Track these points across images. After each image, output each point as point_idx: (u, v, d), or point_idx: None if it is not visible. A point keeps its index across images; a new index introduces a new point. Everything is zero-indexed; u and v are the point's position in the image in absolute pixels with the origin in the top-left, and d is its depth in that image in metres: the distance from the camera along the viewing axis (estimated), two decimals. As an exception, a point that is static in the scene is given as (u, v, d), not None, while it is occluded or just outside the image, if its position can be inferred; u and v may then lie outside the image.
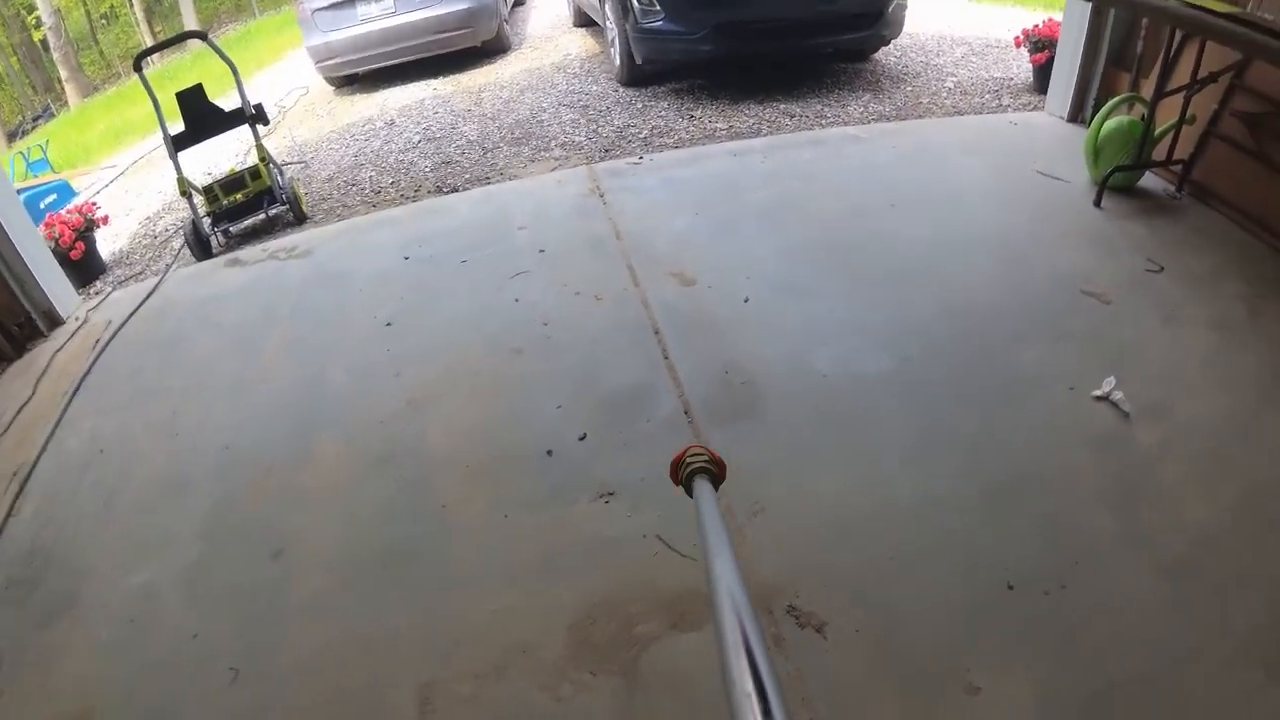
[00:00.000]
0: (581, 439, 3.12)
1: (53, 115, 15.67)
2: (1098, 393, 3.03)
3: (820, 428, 3.05)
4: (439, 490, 3.04)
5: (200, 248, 5.60)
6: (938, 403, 3.09)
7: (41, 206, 6.76)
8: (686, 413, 3.16)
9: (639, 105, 6.96)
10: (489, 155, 6.49)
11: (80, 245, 5.47)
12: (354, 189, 6.43)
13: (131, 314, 4.67)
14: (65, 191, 7.48)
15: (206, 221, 5.75)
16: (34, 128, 15.12)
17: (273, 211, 5.87)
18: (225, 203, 5.79)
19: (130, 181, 8.17)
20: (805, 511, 2.72)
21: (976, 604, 2.39)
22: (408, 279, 4.48)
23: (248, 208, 5.85)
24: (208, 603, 2.81)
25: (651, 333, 3.63)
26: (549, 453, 3.09)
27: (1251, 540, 2.47)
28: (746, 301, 3.76)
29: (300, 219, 5.98)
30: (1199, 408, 2.96)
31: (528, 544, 2.77)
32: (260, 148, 5.88)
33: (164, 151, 5.65)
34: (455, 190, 5.91)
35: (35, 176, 8.83)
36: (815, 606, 2.42)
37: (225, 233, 5.85)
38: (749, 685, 0.70)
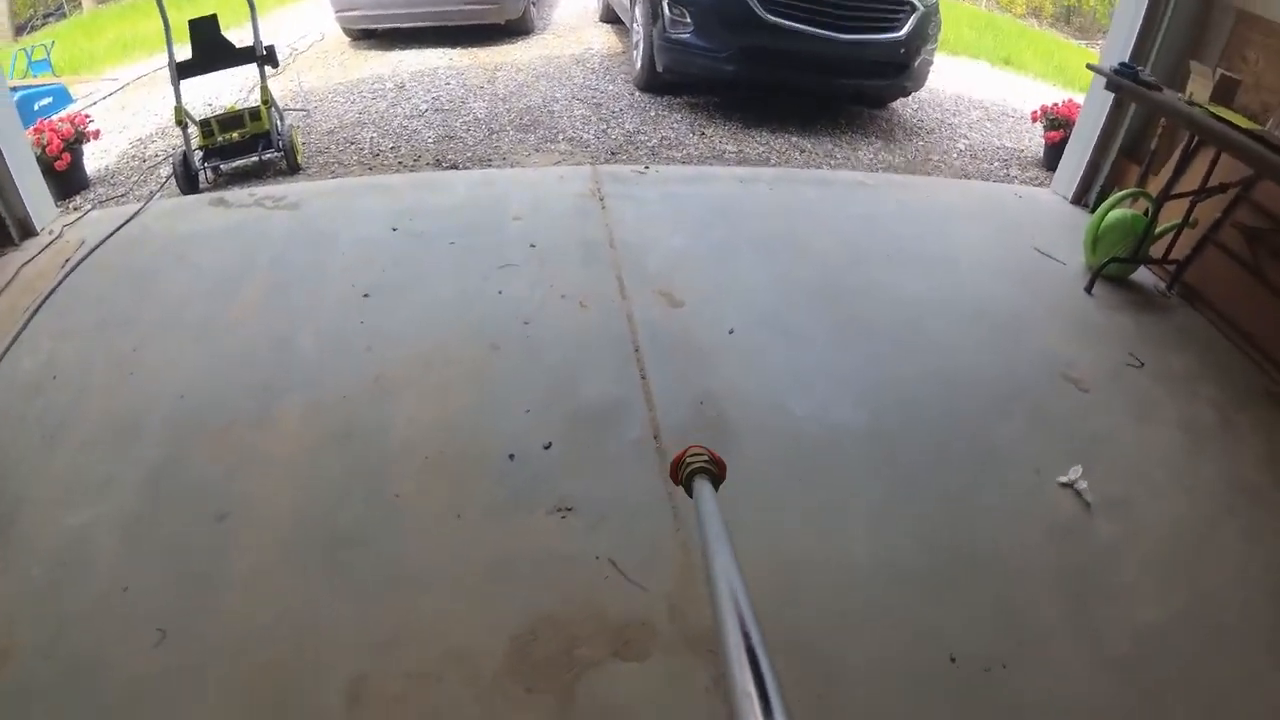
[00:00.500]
0: (547, 448, 3.06)
1: (64, 16, 15.23)
2: (1063, 479, 3.05)
3: (787, 473, 3.02)
4: (395, 479, 2.97)
5: (187, 181, 5.46)
6: (907, 466, 3.09)
7: (35, 108, 6.57)
8: (656, 437, 3.12)
9: (652, 112, 6.92)
10: (494, 137, 6.40)
11: (67, 156, 5.31)
12: (352, 147, 6.31)
13: (107, 237, 4.54)
14: (62, 96, 7.29)
15: (198, 155, 5.60)
16: (43, 25, 14.72)
17: (266, 156, 5.73)
18: (220, 139, 5.64)
19: (129, 98, 7.96)
20: (762, 561, 2.67)
21: (918, 672, 2.38)
22: (393, 251, 4.38)
23: (242, 148, 5.70)
24: (144, 557, 2.72)
25: (632, 349, 3.58)
26: (511, 457, 3.03)
27: (1196, 647, 2.50)
28: (731, 333, 3.72)
29: (294, 169, 5.84)
30: (1160, 508, 2.99)
31: (479, 548, 2.71)
32: (265, 89, 5.75)
33: (167, 73, 5.50)
34: (455, 167, 5.82)
35: (35, 76, 8.62)
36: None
37: (215, 170, 5.73)
38: (750, 685, 0.70)
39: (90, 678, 2.35)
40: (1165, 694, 2.35)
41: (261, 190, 5.18)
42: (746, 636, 0.80)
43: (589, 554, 2.66)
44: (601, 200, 4.94)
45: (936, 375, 3.55)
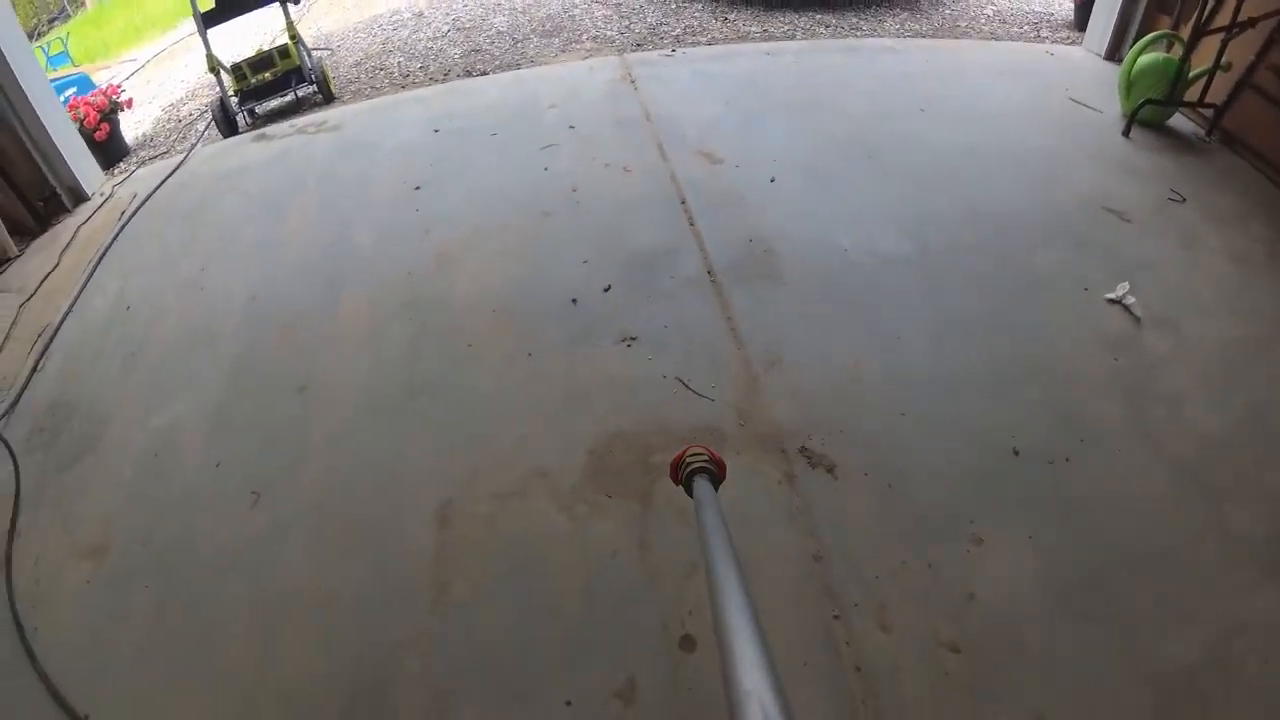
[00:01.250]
0: (606, 290, 3.17)
1: (69, 16, 15.17)
2: (1111, 295, 3.09)
3: (840, 295, 3.11)
4: (465, 333, 3.10)
5: (227, 125, 5.60)
6: (955, 288, 3.15)
7: (62, 98, 6.70)
8: (710, 273, 3.21)
9: (673, 5, 6.86)
10: (519, 45, 6.42)
11: (105, 127, 5.47)
12: (381, 73, 6.39)
13: (157, 187, 4.67)
14: (85, 84, 7.36)
15: (234, 100, 5.73)
16: (50, 29, 14.73)
17: (301, 91, 5.87)
18: (253, 81, 5.76)
19: (151, 73, 8.08)
20: (821, 369, 2.79)
21: (982, 466, 2.48)
22: (437, 149, 4.48)
23: (275, 87, 5.83)
24: (232, 437, 2.88)
25: (678, 203, 3.66)
26: (574, 301, 3.15)
27: (1257, 452, 2.53)
28: (773, 182, 3.78)
29: (328, 98, 5.94)
30: (1211, 327, 3.00)
31: (551, 381, 2.84)
32: (290, 26, 5.84)
33: (185, 45, 5.65)
34: (484, 74, 5.86)
35: (55, 70, 8.68)
36: (826, 449, 2.51)
37: (251, 112, 5.87)
38: (749, 684, 0.70)
39: (185, 551, 2.53)
40: (1226, 495, 2.39)
41: (301, 120, 5.27)
42: (747, 634, 0.78)
43: (655, 375, 2.77)
44: (633, 83, 4.96)
45: (977, 211, 3.57)
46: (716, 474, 1.27)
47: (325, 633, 2.24)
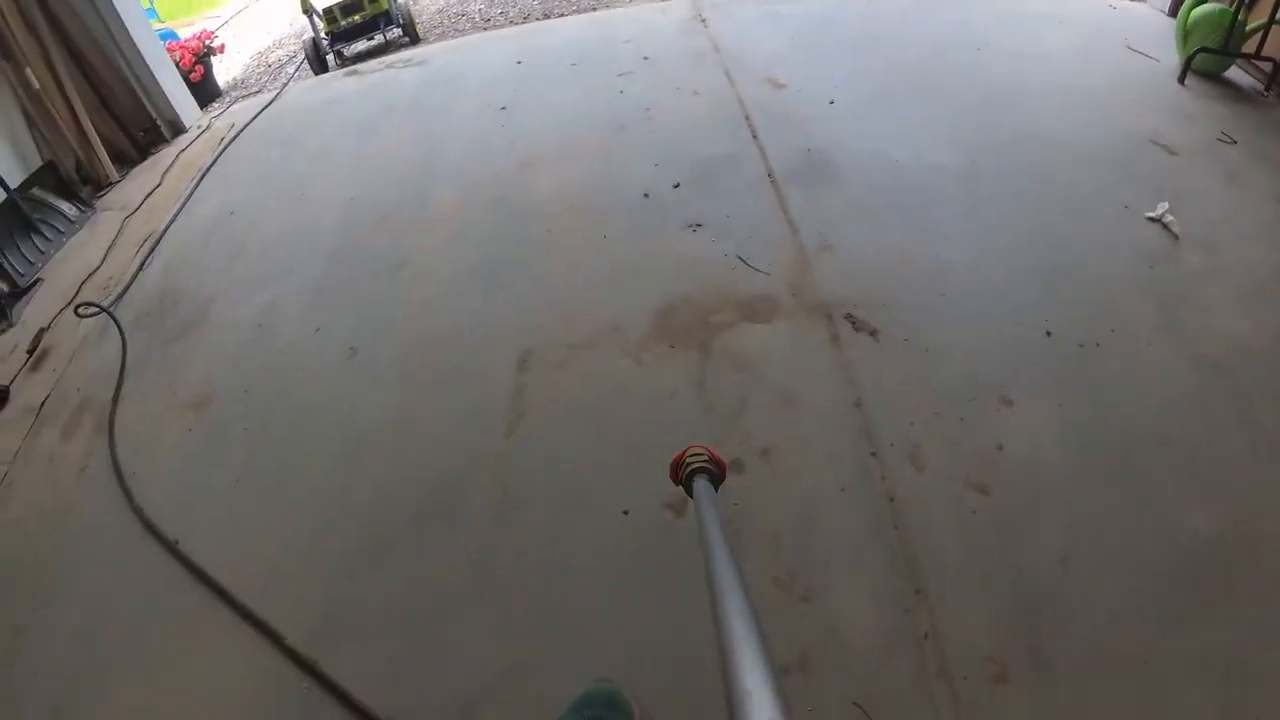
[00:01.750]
0: (675, 187, 3.47)
1: None
2: (1151, 214, 3.21)
3: (890, 198, 3.34)
4: (545, 220, 3.43)
5: (318, 63, 6.02)
6: (1000, 197, 3.33)
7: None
8: (770, 176, 3.48)
9: (747, -49, 7.05)
10: (594, -9, 6.70)
11: (200, 69, 5.88)
12: (463, 18, 6.75)
13: (256, 116, 5.06)
14: (173, 39, 7.78)
15: (325, 41, 6.13)
16: None
17: (389, 34, 6.23)
18: (343, 23, 6.15)
19: (236, 29, 8.54)
20: (868, 254, 3.03)
21: (1016, 341, 2.67)
22: (521, 78, 4.82)
23: (363, 29, 6.22)
24: (331, 306, 3.24)
25: (743, 119, 3.93)
26: (646, 195, 3.45)
27: None
28: (832, 104, 4.02)
29: (414, 40, 6.32)
30: (1249, 252, 3.07)
31: (622, 258, 3.15)
32: (378, -29, 6.17)
33: (267, 2, 5.98)
34: (562, 16, 6.15)
35: None
36: (870, 317, 2.75)
37: (340, 54, 6.26)
38: (749, 683, 0.68)
39: (285, 397, 2.88)
40: (1254, 394, 2.48)
41: (389, 58, 5.63)
42: (748, 634, 0.77)
43: (718, 254, 3.05)
44: (704, 22, 5.22)
45: (1026, 135, 3.73)
46: (716, 474, 1.24)
47: (408, 452, 2.58)
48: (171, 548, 2.46)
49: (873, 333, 2.68)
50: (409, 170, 4.03)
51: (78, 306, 3.59)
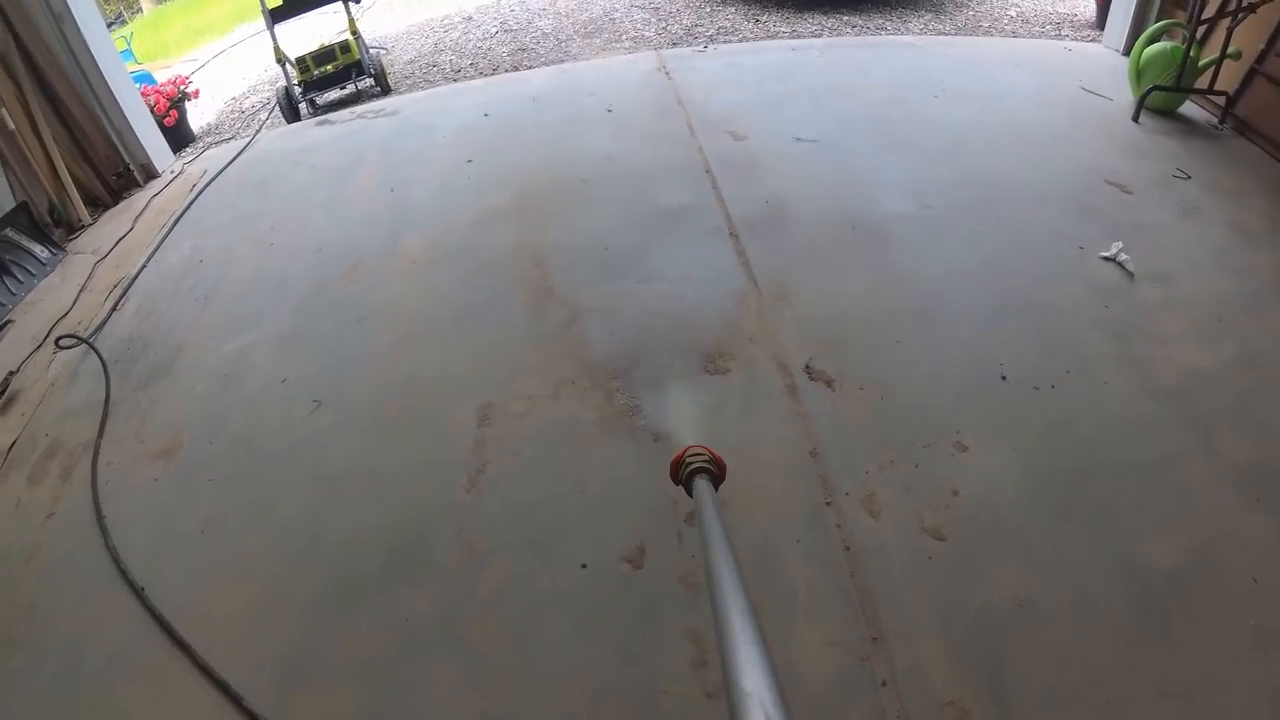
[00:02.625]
0: (635, 240, 3.52)
1: (124, 21, 15.96)
2: (1105, 254, 3.25)
3: (844, 246, 3.40)
4: (509, 272, 3.48)
5: (291, 111, 6.09)
6: (954, 242, 3.39)
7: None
8: (729, 226, 3.56)
9: (708, 9, 7.27)
10: (563, 45, 6.86)
11: (174, 113, 5.95)
12: (435, 69, 6.86)
13: (229, 163, 5.10)
14: (149, 81, 7.88)
15: (298, 90, 6.21)
16: (109, 30, 15.45)
17: (361, 84, 6.35)
18: (316, 73, 6.26)
19: (211, 73, 8.63)
20: (823, 303, 3.08)
21: (971, 387, 2.70)
22: (488, 130, 4.91)
23: (336, 78, 6.33)
24: (297, 357, 3.25)
25: (704, 170, 4.00)
26: (605, 249, 3.49)
27: (1246, 389, 2.63)
28: (790, 154, 4.12)
29: (385, 90, 6.42)
30: (1205, 284, 3.12)
31: (584, 309, 3.19)
32: (352, 22, 6.33)
33: (241, 48, 6.14)
34: (530, 69, 6.28)
35: None
36: (826, 367, 2.78)
37: (312, 103, 6.33)
38: (749, 684, 0.69)
39: (250, 448, 2.87)
40: (1213, 422, 2.51)
41: (360, 107, 5.71)
42: (747, 635, 0.77)
43: (677, 306, 3.09)
44: (667, 74, 5.32)
45: (981, 179, 3.81)
46: (716, 474, 1.25)
47: (373, 505, 2.58)
48: (139, 594, 2.43)
49: (829, 382, 2.71)
50: (377, 219, 4.07)
51: (59, 339, 3.59)
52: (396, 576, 2.36)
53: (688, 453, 1.26)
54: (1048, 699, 1.88)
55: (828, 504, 2.36)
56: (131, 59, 9.55)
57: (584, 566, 2.29)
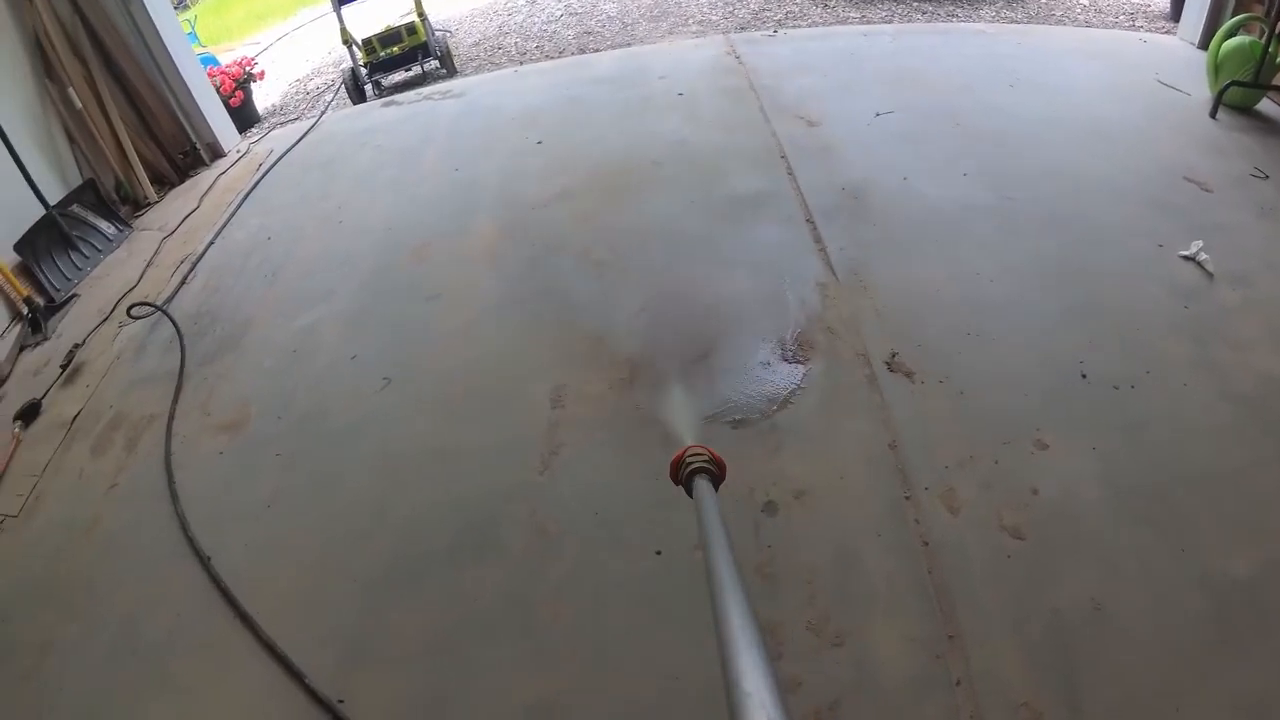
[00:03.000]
0: (710, 222, 3.54)
1: (188, 6, 16.14)
2: (1185, 253, 3.20)
3: (923, 235, 3.38)
4: (580, 252, 3.51)
5: (357, 92, 6.14)
6: (1031, 235, 3.35)
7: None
8: (806, 213, 3.56)
9: (776, -8, 7.17)
10: (629, 28, 6.83)
11: (240, 94, 6.01)
12: (500, 52, 6.87)
13: (296, 143, 5.15)
14: (213, 63, 7.93)
15: (364, 71, 6.26)
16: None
17: (427, 65, 6.38)
18: (382, 54, 6.28)
19: (275, 54, 8.71)
20: (903, 292, 3.07)
21: (1051, 384, 2.67)
22: (556, 111, 4.91)
23: (402, 60, 6.35)
24: (367, 335, 3.29)
25: (779, 156, 3.99)
26: (679, 233, 3.51)
27: None
28: (864, 141, 4.08)
29: (451, 72, 6.43)
30: None
31: (656, 293, 3.23)
32: (418, 3, 6.32)
33: (305, 31, 6.17)
34: (597, 51, 6.28)
35: None
36: (906, 359, 2.78)
37: (378, 84, 6.36)
38: (749, 684, 0.69)
39: (318, 424, 2.92)
40: None
41: (427, 89, 5.73)
42: (747, 635, 0.78)
43: (754, 292, 3.11)
44: (737, 58, 5.29)
45: (1058, 172, 3.75)
46: (717, 474, 1.23)
47: (442, 484, 2.61)
48: (205, 563, 2.48)
49: (909, 374, 2.71)
50: (447, 197, 4.11)
51: (130, 308, 3.69)
52: (465, 556, 2.39)
53: (688, 453, 1.24)
54: (1121, 706, 1.87)
55: (907, 498, 2.36)
56: (195, 42, 9.64)
57: (658, 553, 2.30)
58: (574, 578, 2.30)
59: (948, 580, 2.16)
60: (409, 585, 2.35)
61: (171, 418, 3.07)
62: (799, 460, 2.51)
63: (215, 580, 2.43)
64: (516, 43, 6.95)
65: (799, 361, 2.81)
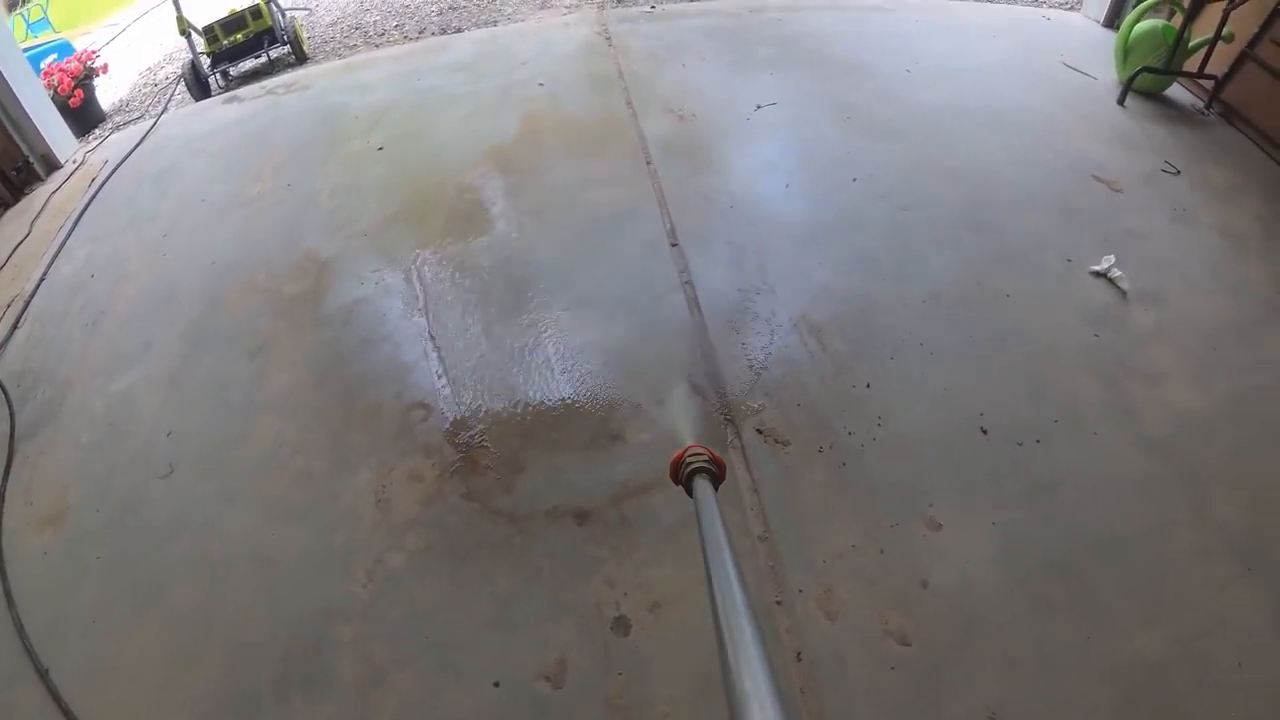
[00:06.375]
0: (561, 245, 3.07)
1: None
2: (1096, 268, 2.94)
3: (802, 257, 2.99)
4: (408, 295, 3.03)
5: (199, 88, 5.50)
6: (928, 254, 2.99)
7: (42, 66, 6.57)
8: (670, 232, 3.09)
9: (659, -34, 6.66)
10: (495, 2, 6.28)
11: (79, 93, 5.36)
12: (357, 31, 6.28)
13: (129, 153, 4.57)
14: (66, 50, 7.18)
15: (206, 62, 5.65)
16: None
17: (274, 53, 5.78)
18: (225, 43, 5.69)
19: (133, 37, 7.96)
20: (778, 336, 2.66)
21: (948, 443, 2.34)
22: (405, 105, 4.41)
23: (248, 48, 5.75)
24: (185, 400, 2.85)
25: (644, 162, 3.55)
26: (526, 264, 3.05)
27: (1239, 439, 2.39)
28: (746, 126, 3.68)
29: (301, 59, 5.85)
30: (1200, 304, 2.85)
31: (500, 341, 2.76)
32: (266, -16, 5.69)
33: (167, 9, 5.50)
34: (459, 31, 5.73)
35: (35, 36, 8.45)
36: (781, 422, 2.37)
37: (224, 75, 5.77)
38: (748, 684, 0.69)
39: (136, 518, 2.48)
40: (1204, 483, 2.26)
41: (271, 81, 5.17)
42: (747, 636, 0.77)
43: (608, 339, 2.66)
44: (609, 39, 4.78)
45: (956, 174, 3.41)
46: (717, 474, 1.22)
47: (265, 594, 2.23)
48: (43, 678, 2.13)
49: (783, 443, 2.28)
50: (276, 224, 3.60)
51: None
52: (294, 689, 2.03)
53: (688, 453, 1.23)
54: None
55: (778, 603, 2.01)
56: (48, 28, 8.85)
57: (496, 685, 1.93)
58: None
59: (824, 701, 1.86)
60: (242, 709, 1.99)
61: (2, 501, 2.61)
62: (656, 565, 2.10)
63: (56, 698, 2.08)
64: (376, 20, 6.34)
65: (624, 441, 2.34)
